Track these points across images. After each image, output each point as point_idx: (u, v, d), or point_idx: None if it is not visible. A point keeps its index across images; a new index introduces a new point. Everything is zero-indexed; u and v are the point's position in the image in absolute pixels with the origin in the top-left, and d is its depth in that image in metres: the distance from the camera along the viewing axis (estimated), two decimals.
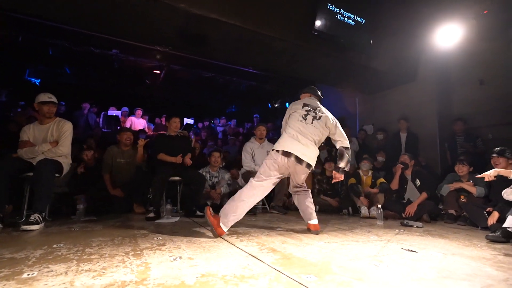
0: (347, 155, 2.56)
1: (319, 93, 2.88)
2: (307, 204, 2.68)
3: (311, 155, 2.48)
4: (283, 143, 2.49)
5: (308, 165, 2.48)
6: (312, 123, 2.56)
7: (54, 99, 3.00)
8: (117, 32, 4.43)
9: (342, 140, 2.60)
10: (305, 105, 2.66)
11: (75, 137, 3.31)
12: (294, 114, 2.62)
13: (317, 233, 2.56)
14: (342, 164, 2.55)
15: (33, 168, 2.74)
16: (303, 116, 2.58)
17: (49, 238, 2.11)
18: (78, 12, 3.60)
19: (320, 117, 2.59)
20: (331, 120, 2.60)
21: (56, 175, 2.87)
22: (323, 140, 2.64)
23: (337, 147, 2.62)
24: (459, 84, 5.45)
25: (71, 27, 4.60)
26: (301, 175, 2.58)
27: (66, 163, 3.00)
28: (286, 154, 2.43)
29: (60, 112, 5.78)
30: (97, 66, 7.34)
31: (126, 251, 1.78)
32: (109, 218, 3.16)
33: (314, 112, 2.61)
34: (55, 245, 1.88)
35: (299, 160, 2.43)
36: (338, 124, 2.65)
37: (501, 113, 4.80)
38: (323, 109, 2.69)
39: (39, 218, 2.49)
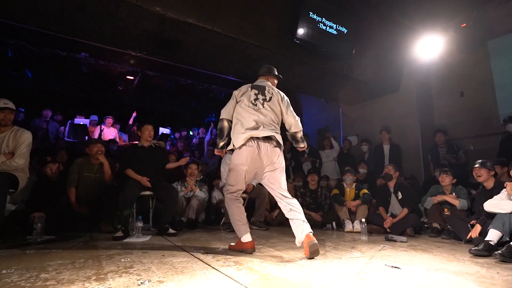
0: (300, 136, 2.57)
1: (275, 71, 2.73)
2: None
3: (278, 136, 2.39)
4: (242, 135, 2.31)
5: (278, 143, 2.38)
6: (263, 106, 2.43)
7: (11, 105, 2.86)
8: (85, 35, 4.33)
9: (294, 124, 2.53)
10: (253, 87, 2.51)
11: (35, 148, 3.15)
12: (243, 99, 2.45)
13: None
14: (302, 145, 2.58)
15: None
16: (253, 101, 2.43)
17: None
18: (36, 10, 3.47)
19: (270, 98, 2.47)
20: (282, 97, 2.53)
21: (10, 190, 2.72)
22: (280, 122, 2.54)
23: (290, 132, 2.58)
24: (440, 96, 5.75)
25: (32, 27, 4.46)
26: (275, 165, 2.36)
27: (22, 177, 2.85)
28: (253, 139, 2.30)
29: (18, 120, 5.51)
30: (63, 70, 7.08)
31: (88, 275, 1.69)
32: (71, 238, 3.01)
33: (263, 94, 2.47)
34: (4, 271, 1.75)
35: (268, 139, 2.32)
36: (290, 105, 2.56)
37: (481, 125, 5.09)
38: (273, 88, 2.59)
39: None
